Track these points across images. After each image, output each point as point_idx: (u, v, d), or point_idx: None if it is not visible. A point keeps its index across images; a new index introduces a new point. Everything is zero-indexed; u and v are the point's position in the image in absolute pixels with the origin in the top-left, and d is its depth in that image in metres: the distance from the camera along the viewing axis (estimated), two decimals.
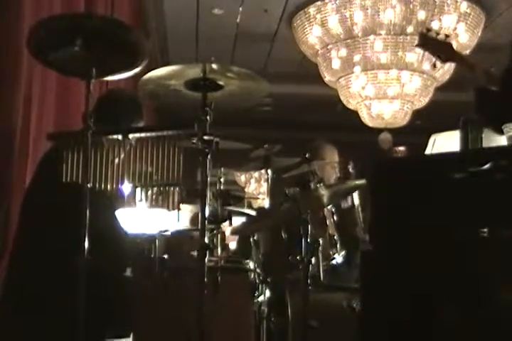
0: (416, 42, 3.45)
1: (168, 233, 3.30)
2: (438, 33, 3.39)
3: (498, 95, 3.00)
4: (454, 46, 3.41)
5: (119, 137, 2.62)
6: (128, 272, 3.04)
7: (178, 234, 3.43)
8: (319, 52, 7.20)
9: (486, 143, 2.97)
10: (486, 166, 2.02)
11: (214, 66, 2.70)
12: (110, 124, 2.69)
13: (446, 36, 3.39)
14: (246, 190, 7.72)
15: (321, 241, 3.51)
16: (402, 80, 6.92)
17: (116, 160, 2.61)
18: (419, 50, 6.63)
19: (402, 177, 2.17)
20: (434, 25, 6.56)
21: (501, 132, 2.80)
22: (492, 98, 3.03)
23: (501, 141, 2.87)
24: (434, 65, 3.42)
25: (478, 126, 2.91)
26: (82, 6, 4.13)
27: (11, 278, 2.91)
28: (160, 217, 3.22)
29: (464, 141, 2.91)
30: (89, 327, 2.33)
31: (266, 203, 4.95)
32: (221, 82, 2.76)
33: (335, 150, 4.68)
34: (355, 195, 3.78)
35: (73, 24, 2.50)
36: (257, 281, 3.22)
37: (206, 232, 2.69)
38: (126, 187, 2.90)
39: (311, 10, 6.94)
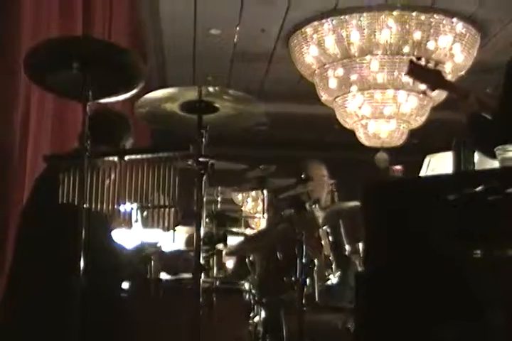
0: (405, 71, 3.45)
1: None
2: (428, 61, 3.40)
3: (493, 118, 3.01)
4: (445, 74, 3.41)
5: (115, 159, 2.64)
6: (124, 293, 3.05)
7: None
8: (316, 71, 7.24)
9: (479, 165, 2.98)
10: (479, 188, 2.03)
11: (210, 89, 2.72)
12: (99, 142, 2.70)
13: (436, 64, 3.40)
14: (243, 208, 7.71)
15: (316, 262, 3.52)
16: (398, 100, 6.94)
17: (113, 181, 2.62)
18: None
19: (395, 198, 2.19)
20: (430, 45, 6.62)
21: (493, 156, 2.82)
22: (485, 123, 3.05)
23: (494, 162, 2.89)
24: (425, 93, 3.42)
25: (470, 148, 2.92)
26: (79, 29, 4.16)
27: (9, 299, 2.91)
28: (155, 238, 3.23)
29: (457, 162, 2.92)
30: None
31: (262, 222, 4.96)
32: (217, 105, 2.79)
33: (321, 165, 4.70)
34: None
35: (70, 47, 2.52)
36: (253, 302, 3.23)
37: (202, 253, 2.71)
38: (122, 208, 2.91)
39: (308, 30, 6.98)
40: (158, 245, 3.20)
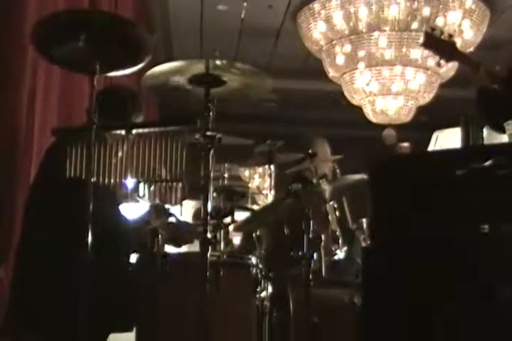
0: (420, 41, 3.46)
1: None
2: (442, 32, 3.42)
3: (501, 93, 3.01)
4: (458, 45, 3.44)
5: (123, 132, 2.64)
6: (131, 266, 3.06)
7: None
8: (323, 48, 7.19)
9: (487, 141, 2.98)
10: (488, 163, 2.02)
11: (217, 62, 2.71)
12: (110, 118, 2.70)
13: (450, 36, 3.42)
14: (250, 185, 7.71)
15: (323, 237, 3.53)
16: (406, 76, 6.90)
17: (120, 155, 2.62)
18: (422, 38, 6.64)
19: (403, 173, 2.18)
20: (439, 21, 6.55)
21: (503, 130, 2.81)
22: (494, 97, 3.04)
23: (503, 138, 2.88)
24: (439, 64, 3.45)
25: (479, 123, 2.92)
26: (86, 2, 4.14)
27: (18, 271, 2.93)
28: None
29: (465, 138, 2.92)
30: (93, 321, 2.35)
31: (270, 198, 4.97)
32: (224, 78, 2.78)
33: (325, 142, 4.69)
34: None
35: (77, 20, 2.51)
36: (259, 276, 3.23)
37: (209, 227, 2.71)
38: (130, 182, 2.92)
39: (316, 6, 6.92)
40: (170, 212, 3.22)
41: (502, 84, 3.02)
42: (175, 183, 2.74)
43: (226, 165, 5.15)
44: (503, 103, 2.95)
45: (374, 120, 7.39)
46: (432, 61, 6.79)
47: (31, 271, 2.87)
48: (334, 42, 7.03)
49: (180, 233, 3.32)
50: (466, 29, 6.71)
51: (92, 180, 2.47)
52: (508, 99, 2.95)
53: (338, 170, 4.52)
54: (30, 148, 3.31)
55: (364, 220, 3.93)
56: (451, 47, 3.38)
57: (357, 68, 7.01)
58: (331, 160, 4.55)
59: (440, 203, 2.07)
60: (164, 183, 2.78)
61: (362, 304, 2.73)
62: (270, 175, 4.83)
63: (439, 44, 3.36)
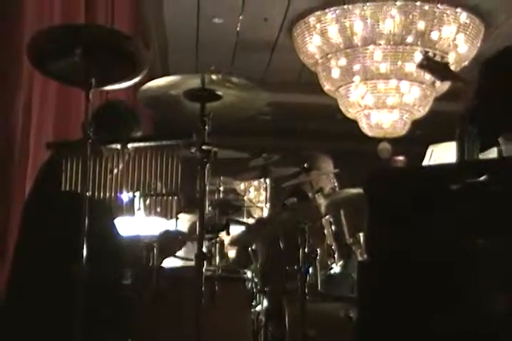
0: (416, 63, 3.64)
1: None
2: (435, 54, 3.63)
3: (482, 106, 3.05)
4: (451, 63, 3.63)
5: (118, 146, 2.64)
6: (126, 281, 3.05)
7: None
8: (319, 61, 7.24)
9: (483, 155, 2.99)
10: (482, 177, 2.03)
11: (213, 76, 2.72)
12: (108, 134, 2.71)
13: (442, 57, 3.57)
14: (245, 198, 7.70)
15: (318, 251, 3.52)
16: (401, 90, 6.94)
17: (115, 170, 2.62)
18: (418, 60, 6.69)
19: (398, 187, 2.18)
20: (434, 35, 6.60)
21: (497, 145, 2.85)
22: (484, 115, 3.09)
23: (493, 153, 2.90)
24: (434, 83, 3.64)
25: (474, 138, 2.93)
26: (82, 17, 4.15)
27: (12, 286, 2.91)
28: (158, 226, 3.23)
29: (460, 152, 2.93)
30: (87, 336, 2.34)
31: (265, 211, 4.97)
32: (220, 93, 2.78)
33: (329, 160, 4.71)
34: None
35: (73, 34, 2.51)
36: (255, 291, 3.22)
37: (204, 241, 2.70)
38: (125, 196, 2.91)
39: (311, 19, 6.98)
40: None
41: (477, 95, 3.08)
42: (170, 197, 2.74)
43: (222, 178, 5.15)
44: (489, 116, 2.98)
45: (369, 133, 7.41)
46: (427, 75, 6.83)
47: (25, 285, 2.86)
48: (329, 55, 7.07)
49: (168, 242, 3.31)
50: (460, 43, 6.76)
51: (88, 194, 2.47)
52: (491, 110, 2.97)
53: (336, 184, 4.54)
54: (26, 162, 3.30)
55: (361, 234, 3.93)
56: (444, 67, 3.52)
57: (352, 82, 7.05)
58: (332, 180, 4.57)
59: (435, 218, 2.07)
60: (160, 197, 2.78)
61: (357, 318, 2.72)
62: (266, 189, 4.83)
63: (434, 65, 3.50)
